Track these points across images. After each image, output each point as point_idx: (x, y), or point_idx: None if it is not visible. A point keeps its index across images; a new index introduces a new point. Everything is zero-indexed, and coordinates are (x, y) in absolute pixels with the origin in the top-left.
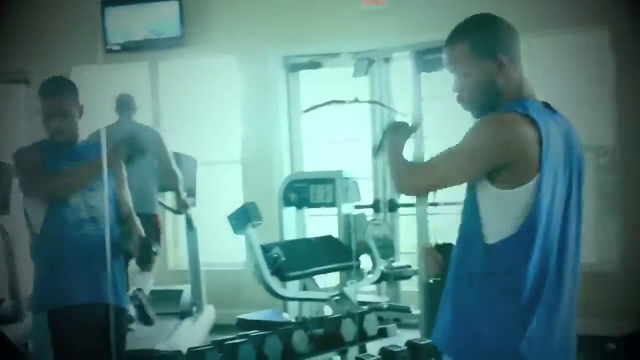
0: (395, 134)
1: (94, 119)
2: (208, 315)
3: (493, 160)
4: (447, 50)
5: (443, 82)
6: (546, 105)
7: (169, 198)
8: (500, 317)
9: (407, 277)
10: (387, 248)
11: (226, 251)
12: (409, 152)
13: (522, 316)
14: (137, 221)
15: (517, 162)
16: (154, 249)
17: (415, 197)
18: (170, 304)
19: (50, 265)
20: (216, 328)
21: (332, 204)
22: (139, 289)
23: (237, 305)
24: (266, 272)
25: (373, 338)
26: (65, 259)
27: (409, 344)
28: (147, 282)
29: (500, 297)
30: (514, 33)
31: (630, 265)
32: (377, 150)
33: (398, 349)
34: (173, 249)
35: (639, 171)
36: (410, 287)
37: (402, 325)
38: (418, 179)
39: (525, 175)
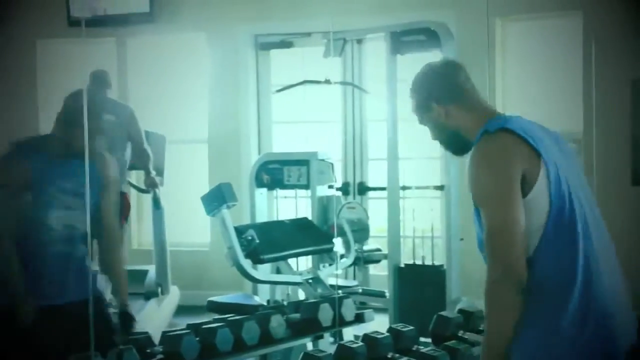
0: None
1: (61, 94)
2: (173, 296)
3: (516, 177)
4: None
5: (418, 64)
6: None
7: (134, 176)
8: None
9: (377, 261)
10: (362, 232)
11: (191, 232)
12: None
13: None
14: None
15: (525, 169)
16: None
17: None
18: (135, 284)
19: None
20: (180, 309)
21: (306, 186)
22: None
23: (201, 287)
24: (240, 254)
25: (350, 323)
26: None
27: (392, 330)
28: None
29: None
30: (455, 77)
31: None
32: None
33: (381, 335)
34: (137, 228)
35: (605, 157)
36: (376, 271)
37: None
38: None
39: (533, 177)
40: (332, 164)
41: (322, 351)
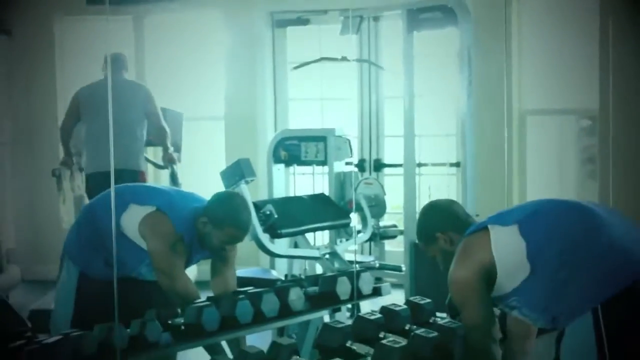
0: None
1: (77, 73)
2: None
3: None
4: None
5: (435, 41)
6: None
7: (151, 153)
8: None
9: (393, 237)
10: (379, 207)
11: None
12: None
13: None
14: None
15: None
16: None
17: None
18: None
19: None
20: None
21: (323, 162)
22: None
23: None
24: (258, 229)
25: (368, 297)
26: None
27: (409, 302)
28: None
29: None
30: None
31: None
32: None
33: (399, 308)
34: None
35: (622, 135)
36: (392, 247)
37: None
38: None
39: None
40: (349, 140)
41: (341, 322)
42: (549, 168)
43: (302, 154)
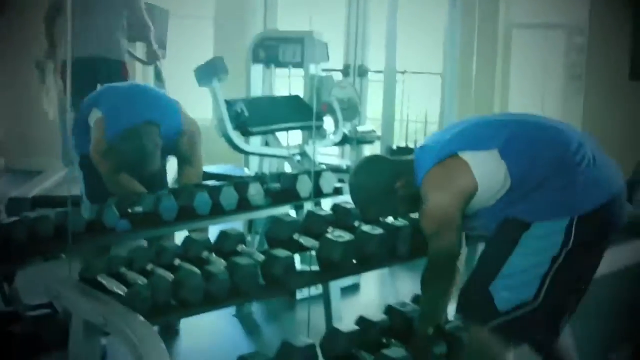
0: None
1: None
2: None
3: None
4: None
5: None
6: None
7: (139, 49)
8: None
9: (371, 142)
10: (351, 110)
11: (193, 107)
12: None
13: None
14: None
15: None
16: None
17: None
18: None
19: None
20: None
21: (300, 64)
22: None
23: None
24: (229, 125)
25: (328, 195)
26: None
27: None
28: None
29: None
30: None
31: None
32: None
33: (350, 206)
34: None
35: (604, 52)
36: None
37: None
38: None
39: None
40: (326, 44)
41: (290, 216)
42: (534, 83)
43: (280, 55)
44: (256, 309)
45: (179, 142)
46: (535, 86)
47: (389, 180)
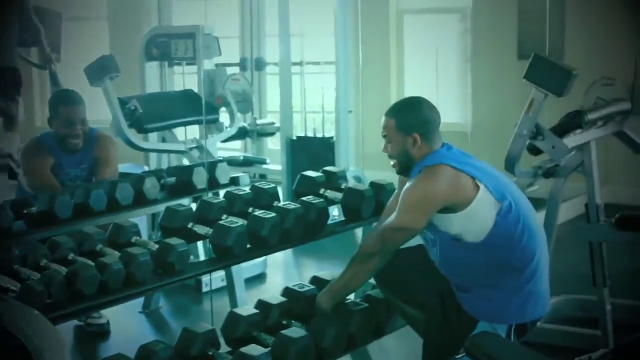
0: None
1: None
2: None
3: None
4: (384, 120)
5: None
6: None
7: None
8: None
9: (271, 134)
10: (246, 103)
11: (93, 108)
12: None
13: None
14: None
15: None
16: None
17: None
18: None
19: None
20: None
21: (192, 59)
22: (9, 155)
23: None
24: (124, 124)
25: (225, 186)
26: None
27: (254, 187)
28: (13, 144)
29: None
30: (433, 114)
31: (477, 123)
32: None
33: (242, 192)
34: (40, 106)
35: (494, 33)
36: (276, 146)
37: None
38: (386, 249)
39: (468, 195)
40: (217, 38)
41: (184, 206)
42: (428, 68)
43: (173, 51)
44: (163, 304)
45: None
46: (430, 70)
47: (415, 124)
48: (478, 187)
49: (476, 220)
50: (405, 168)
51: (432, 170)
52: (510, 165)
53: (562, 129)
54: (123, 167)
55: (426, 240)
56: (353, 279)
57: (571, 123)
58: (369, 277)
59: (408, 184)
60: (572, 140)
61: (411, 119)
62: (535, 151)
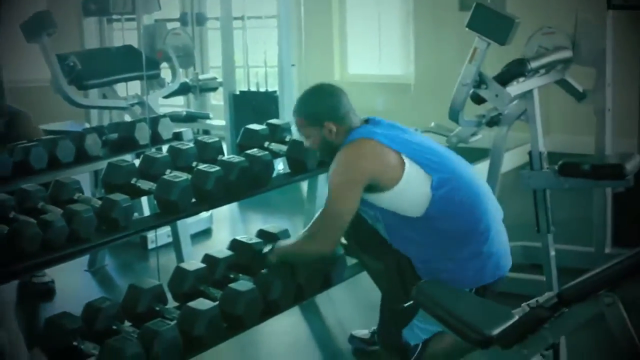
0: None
1: None
2: None
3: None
4: (294, 119)
5: None
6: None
7: None
8: None
9: (214, 89)
10: (187, 57)
11: (32, 66)
12: None
13: None
14: None
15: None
16: None
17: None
18: None
19: None
20: None
21: (131, 14)
22: None
23: (44, 121)
24: (63, 81)
25: (168, 141)
26: None
27: (197, 142)
28: None
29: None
30: (338, 97)
31: (419, 75)
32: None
33: (186, 147)
34: None
35: None
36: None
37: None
38: (326, 236)
39: (397, 170)
40: None
41: (126, 161)
42: (370, 20)
43: (111, 6)
44: (109, 262)
45: None
46: (372, 22)
47: (323, 113)
48: (404, 163)
49: (408, 196)
50: (333, 156)
51: (350, 145)
52: (453, 114)
53: (505, 78)
54: (64, 125)
55: (368, 216)
56: (299, 256)
57: (514, 71)
58: (312, 260)
59: (331, 165)
60: (515, 88)
61: (317, 110)
62: (478, 100)
